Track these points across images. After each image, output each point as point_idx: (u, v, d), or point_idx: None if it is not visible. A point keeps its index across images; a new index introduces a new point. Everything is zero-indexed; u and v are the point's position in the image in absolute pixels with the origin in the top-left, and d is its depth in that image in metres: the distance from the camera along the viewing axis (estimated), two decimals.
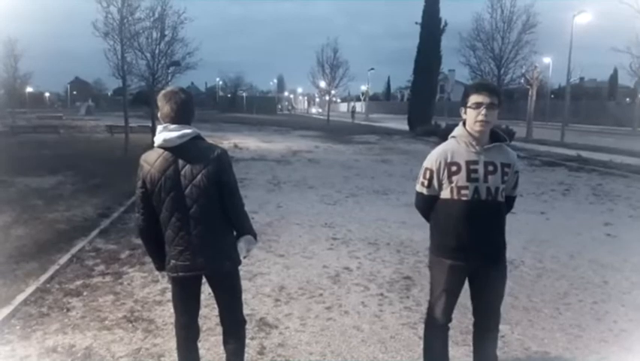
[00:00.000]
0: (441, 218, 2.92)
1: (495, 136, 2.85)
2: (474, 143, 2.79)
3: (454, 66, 40.84)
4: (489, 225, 2.86)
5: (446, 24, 30.62)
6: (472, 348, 3.75)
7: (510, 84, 27.56)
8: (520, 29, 24.39)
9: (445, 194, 2.84)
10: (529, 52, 24.98)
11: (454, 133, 2.89)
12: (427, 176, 2.88)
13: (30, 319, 4.25)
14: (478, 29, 25.38)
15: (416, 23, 31.25)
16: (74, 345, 3.80)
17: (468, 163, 2.77)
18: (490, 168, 2.78)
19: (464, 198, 2.79)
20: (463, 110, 2.83)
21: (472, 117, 2.75)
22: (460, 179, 2.78)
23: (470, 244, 2.84)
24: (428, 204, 2.97)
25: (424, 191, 2.93)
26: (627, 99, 53.94)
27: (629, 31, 27.55)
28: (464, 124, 2.84)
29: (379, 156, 18.51)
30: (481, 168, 2.77)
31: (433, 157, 2.87)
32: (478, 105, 2.72)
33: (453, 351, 3.76)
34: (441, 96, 47.86)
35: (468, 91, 2.82)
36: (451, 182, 2.80)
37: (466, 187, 2.77)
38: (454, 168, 2.79)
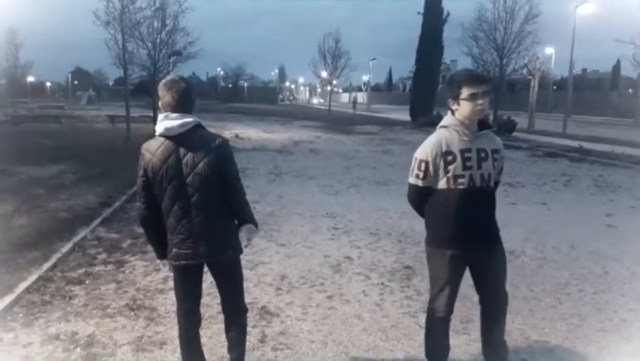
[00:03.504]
0: (438, 209, 2.92)
1: (482, 123, 2.90)
2: (466, 131, 2.82)
3: (457, 56, 40.73)
4: (485, 211, 2.91)
5: (448, 14, 30.47)
6: (471, 337, 3.79)
7: (512, 75, 27.44)
8: (522, 20, 24.20)
9: (442, 184, 2.85)
10: (532, 42, 24.81)
11: (444, 123, 2.90)
12: (422, 168, 2.86)
13: (33, 307, 4.27)
14: (481, 19, 25.18)
15: (418, 13, 31.09)
16: (77, 333, 3.83)
17: (462, 151, 2.80)
18: (483, 155, 2.83)
19: (461, 187, 2.81)
20: (452, 102, 2.85)
21: (470, 108, 2.77)
22: (457, 168, 2.80)
23: (469, 232, 2.86)
24: (423, 197, 2.96)
25: (420, 183, 2.91)
26: (630, 90, 53.66)
27: (632, 22, 27.42)
28: (452, 113, 2.87)
29: (381, 146, 18.49)
30: (474, 155, 2.81)
31: (428, 148, 2.85)
32: (474, 96, 2.75)
33: (453, 340, 3.77)
34: (443, 87, 47.65)
35: (459, 83, 2.82)
36: (447, 172, 2.81)
37: (462, 176, 2.80)
38: (449, 158, 2.80)
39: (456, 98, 2.82)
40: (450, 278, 2.96)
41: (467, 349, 3.67)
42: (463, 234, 2.86)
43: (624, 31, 30.01)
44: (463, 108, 2.80)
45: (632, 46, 30.03)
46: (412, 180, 2.95)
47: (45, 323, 4.00)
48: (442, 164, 2.81)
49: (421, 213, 3.09)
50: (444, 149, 2.81)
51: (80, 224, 6.70)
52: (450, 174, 2.81)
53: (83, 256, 5.60)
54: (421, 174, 2.88)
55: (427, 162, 2.84)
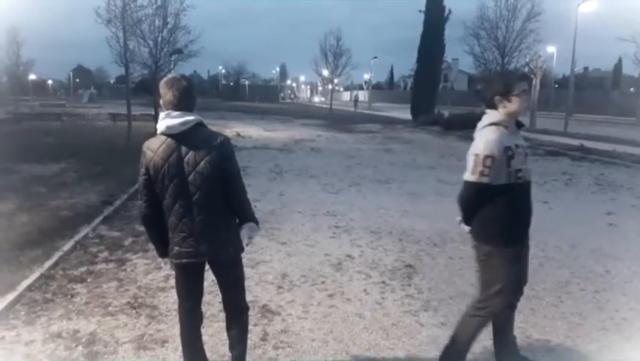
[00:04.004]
0: (498, 205, 2.92)
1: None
2: (512, 128, 2.94)
3: (458, 55, 40.65)
4: (531, 203, 3.06)
5: (450, 12, 30.36)
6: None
7: None
8: (524, 18, 24.22)
9: (503, 180, 2.86)
10: (533, 41, 24.82)
11: (494, 120, 2.92)
12: (488, 163, 2.81)
13: (35, 305, 4.28)
14: (483, 17, 25.21)
15: (420, 11, 31.05)
16: (79, 330, 3.84)
17: (516, 147, 2.88)
18: (526, 150, 2.97)
19: (520, 181, 2.90)
20: (500, 100, 2.90)
21: (520, 104, 2.90)
22: (515, 163, 2.87)
23: (526, 226, 3.02)
24: (482, 194, 2.90)
25: (484, 180, 2.84)
26: (631, 89, 53.60)
27: (634, 20, 27.34)
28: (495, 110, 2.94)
29: (382, 145, 18.48)
30: (522, 150, 2.93)
31: (493, 144, 2.82)
32: (525, 92, 2.89)
33: None
34: (444, 85, 47.66)
35: (511, 80, 2.94)
36: (509, 166, 2.85)
37: (520, 170, 2.89)
38: (509, 153, 2.85)
39: (506, 95, 2.88)
40: (519, 274, 3.06)
41: None
42: (523, 228, 2.99)
43: (626, 30, 29.85)
44: (514, 104, 2.89)
45: (634, 44, 29.93)
46: (473, 177, 2.86)
47: (47, 320, 4.01)
48: (504, 159, 2.84)
49: (473, 213, 3.02)
50: (504, 144, 2.85)
51: (81, 222, 6.71)
52: (512, 169, 2.86)
53: (85, 254, 5.61)
54: (486, 170, 2.83)
55: (493, 158, 2.81)
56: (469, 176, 2.88)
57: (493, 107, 2.94)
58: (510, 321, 3.29)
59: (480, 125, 2.98)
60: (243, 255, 2.94)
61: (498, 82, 2.99)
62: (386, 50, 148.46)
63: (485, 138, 2.87)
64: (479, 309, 3.09)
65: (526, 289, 4.68)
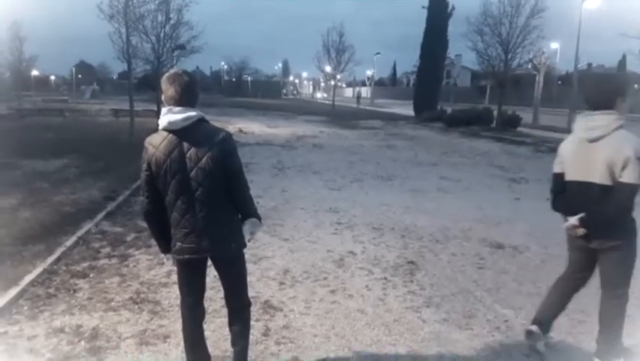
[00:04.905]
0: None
1: None
2: None
3: (461, 51, 40.45)
4: None
5: (453, 8, 30.32)
6: (474, 332, 3.80)
7: (517, 70, 27.23)
8: (528, 14, 24.00)
9: None
10: (537, 37, 24.56)
11: (622, 122, 2.99)
12: None
13: (37, 300, 4.29)
14: (486, 14, 24.98)
15: (423, 7, 30.96)
16: (81, 326, 3.85)
17: None
18: None
19: None
20: (622, 100, 3.01)
21: (630, 104, 3.05)
22: None
23: None
24: None
25: None
26: (635, 85, 53.30)
27: (638, 16, 27.15)
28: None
29: (384, 141, 18.46)
30: None
31: None
32: None
33: (456, 335, 3.79)
34: (447, 81, 47.48)
35: (629, 81, 3.15)
36: None
37: None
38: None
39: (624, 97, 3.00)
40: None
41: (470, 344, 3.68)
42: None
43: (630, 26, 29.65)
44: (628, 105, 3.04)
45: (638, 41, 29.76)
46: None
47: (50, 315, 4.02)
48: None
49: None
50: None
51: (84, 218, 6.72)
52: None
53: (87, 249, 5.62)
54: None
55: None
56: (638, 179, 2.90)
57: (612, 108, 2.98)
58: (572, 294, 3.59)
59: (607, 126, 2.98)
60: (245, 251, 2.94)
61: (623, 83, 3.11)
62: (389, 46, 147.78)
63: (635, 138, 2.92)
64: (621, 297, 3.37)
65: (529, 286, 4.73)
